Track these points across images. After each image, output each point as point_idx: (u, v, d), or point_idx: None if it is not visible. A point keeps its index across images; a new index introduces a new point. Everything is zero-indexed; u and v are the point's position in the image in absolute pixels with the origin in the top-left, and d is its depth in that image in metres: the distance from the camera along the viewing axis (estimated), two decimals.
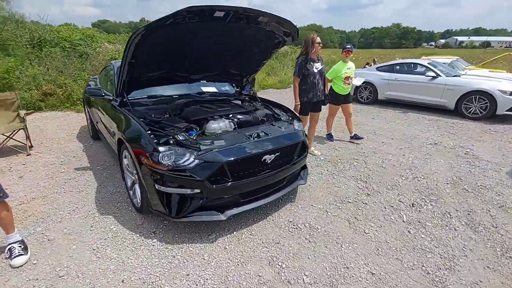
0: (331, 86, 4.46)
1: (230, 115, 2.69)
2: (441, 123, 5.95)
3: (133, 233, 2.33)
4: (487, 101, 5.90)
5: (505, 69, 10.68)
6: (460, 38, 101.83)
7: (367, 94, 7.90)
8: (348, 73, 4.33)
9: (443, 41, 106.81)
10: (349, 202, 2.87)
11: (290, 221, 2.53)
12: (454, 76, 6.63)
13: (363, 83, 7.50)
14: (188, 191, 2.07)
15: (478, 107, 6.05)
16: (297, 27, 2.69)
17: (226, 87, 3.86)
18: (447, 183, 3.25)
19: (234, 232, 2.36)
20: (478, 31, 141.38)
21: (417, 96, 7.00)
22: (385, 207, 2.77)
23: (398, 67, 7.58)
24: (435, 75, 6.61)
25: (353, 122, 4.79)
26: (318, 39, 3.68)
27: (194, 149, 2.10)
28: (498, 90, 5.79)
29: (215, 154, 2.07)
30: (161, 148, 2.06)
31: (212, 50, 2.81)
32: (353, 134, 4.73)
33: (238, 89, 3.86)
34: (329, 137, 4.84)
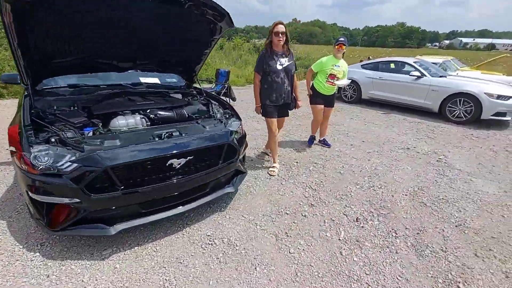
0: (312, 83, 3.92)
1: (148, 110, 2.33)
2: (422, 126, 5.57)
3: (18, 244, 2.00)
4: (472, 104, 5.52)
5: (502, 72, 10.20)
6: (465, 40, 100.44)
7: (351, 93, 7.50)
8: (335, 71, 3.65)
9: (447, 42, 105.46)
10: (287, 213, 2.53)
11: (208, 235, 2.19)
12: (440, 76, 6.23)
13: (349, 84, 7.09)
14: (66, 200, 1.73)
15: (463, 110, 5.67)
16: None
17: (173, 79, 3.48)
18: (405, 195, 2.90)
19: (135, 248, 2.02)
20: (483, 33, 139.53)
21: (400, 97, 6.60)
22: (324, 221, 2.43)
23: (383, 65, 7.16)
24: (420, 74, 6.21)
25: (329, 121, 4.29)
26: (279, 28, 2.82)
27: (77, 150, 1.75)
28: (485, 93, 5.41)
29: (97, 157, 1.71)
30: (34, 147, 1.71)
31: (133, 34, 2.44)
32: (322, 139, 4.28)
33: (187, 82, 3.50)
34: (310, 140, 4.27)
